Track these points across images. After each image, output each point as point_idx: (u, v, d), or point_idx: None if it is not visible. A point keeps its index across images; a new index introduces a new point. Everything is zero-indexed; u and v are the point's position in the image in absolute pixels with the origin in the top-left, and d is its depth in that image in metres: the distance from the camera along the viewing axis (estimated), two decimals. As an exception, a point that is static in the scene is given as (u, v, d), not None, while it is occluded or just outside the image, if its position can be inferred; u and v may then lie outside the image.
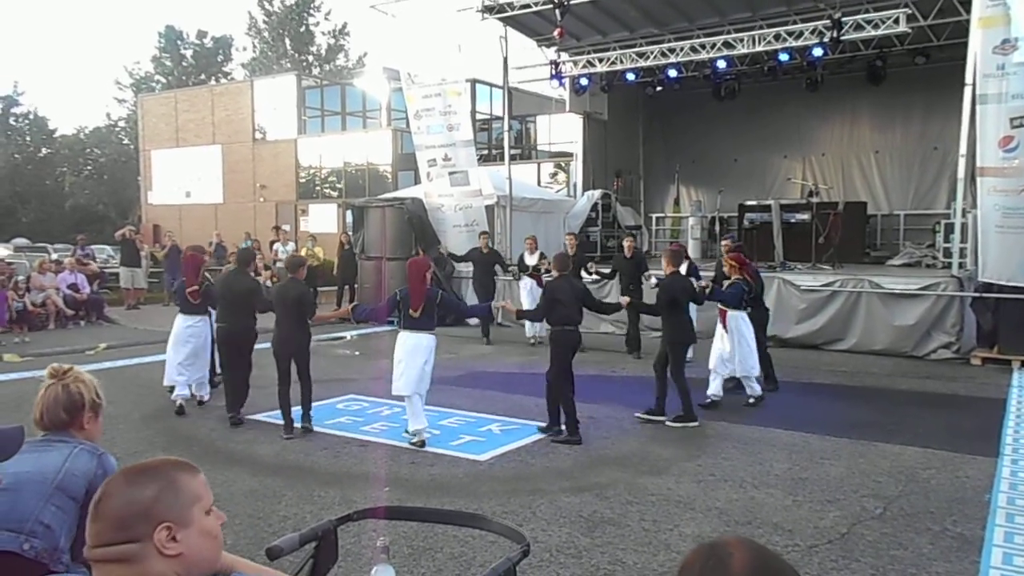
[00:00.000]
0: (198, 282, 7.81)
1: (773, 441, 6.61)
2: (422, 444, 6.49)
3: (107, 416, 7.87)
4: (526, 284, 12.29)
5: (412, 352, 6.53)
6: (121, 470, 1.41)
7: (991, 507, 4.98)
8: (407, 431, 6.65)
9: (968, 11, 10.71)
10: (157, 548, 1.33)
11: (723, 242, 10.59)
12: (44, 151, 45.18)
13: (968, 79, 10.32)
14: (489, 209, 14.91)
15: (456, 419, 7.43)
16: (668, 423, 7.15)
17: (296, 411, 6.99)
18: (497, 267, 13.14)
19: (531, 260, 12.65)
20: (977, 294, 10.29)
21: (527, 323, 12.08)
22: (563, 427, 6.74)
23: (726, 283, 8.23)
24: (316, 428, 7.07)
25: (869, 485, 5.47)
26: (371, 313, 7.69)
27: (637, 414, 7.39)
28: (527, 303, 11.63)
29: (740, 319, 7.88)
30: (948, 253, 11.69)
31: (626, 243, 11.32)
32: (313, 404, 7.61)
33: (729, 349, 7.85)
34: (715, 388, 7.93)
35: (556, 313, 6.82)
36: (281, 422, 6.96)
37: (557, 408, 6.80)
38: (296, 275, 7.08)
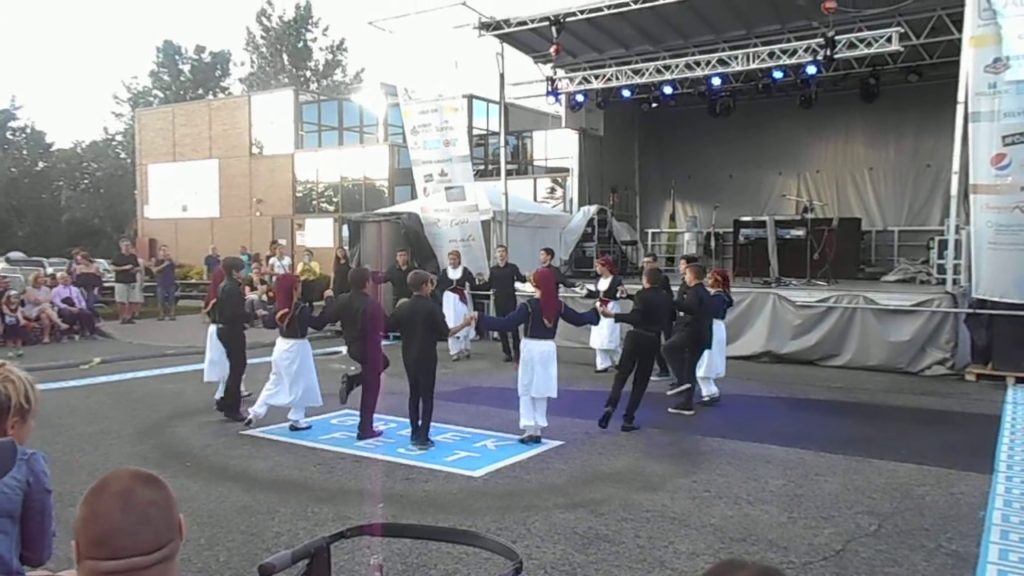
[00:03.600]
0: (290, 305, 7.45)
1: (768, 457, 6.61)
2: (538, 440, 6.98)
3: (100, 431, 7.83)
4: (449, 299, 12.25)
5: (547, 358, 7.00)
6: (133, 478, 1.44)
7: (985, 524, 4.98)
8: (412, 444, 6.88)
9: (960, 30, 10.82)
10: (181, 538, 1.45)
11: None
12: (41, 165, 45.25)
13: (960, 97, 10.41)
14: (485, 224, 14.94)
15: (451, 434, 7.41)
16: (669, 409, 8.22)
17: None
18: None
19: (454, 275, 12.70)
20: (971, 310, 10.33)
21: (450, 340, 11.73)
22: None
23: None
24: (309, 443, 7.07)
25: (864, 502, 5.47)
26: (501, 323, 8.26)
27: (669, 392, 8.46)
28: (451, 318, 11.66)
29: (719, 326, 8.87)
30: (942, 269, 11.74)
31: (646, 262, 11.95)
32: (310, 419, 7.74)
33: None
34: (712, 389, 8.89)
35: (647, 319, 7.64)
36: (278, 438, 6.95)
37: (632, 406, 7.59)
38: (421, 292, 7.03)
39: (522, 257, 14.10)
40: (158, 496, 1.42)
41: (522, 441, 7.01)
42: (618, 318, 8.49)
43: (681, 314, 8.54)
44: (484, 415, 8.11)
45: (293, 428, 7.53)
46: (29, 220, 42.22)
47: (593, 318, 8.10)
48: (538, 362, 6.96)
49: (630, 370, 7.64)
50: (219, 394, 8.30)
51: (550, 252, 12.47)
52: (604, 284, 11.01)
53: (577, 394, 9.28)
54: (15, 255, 29.97)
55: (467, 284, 12.96)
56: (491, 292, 13.03)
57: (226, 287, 8.26)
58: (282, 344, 7.55)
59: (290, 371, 7.46)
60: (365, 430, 7.23)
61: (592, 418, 7.80)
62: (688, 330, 8.40)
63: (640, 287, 11.04)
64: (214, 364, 8.39)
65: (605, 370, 11.18)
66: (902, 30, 12.02)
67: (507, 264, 12.72)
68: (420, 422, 6.97)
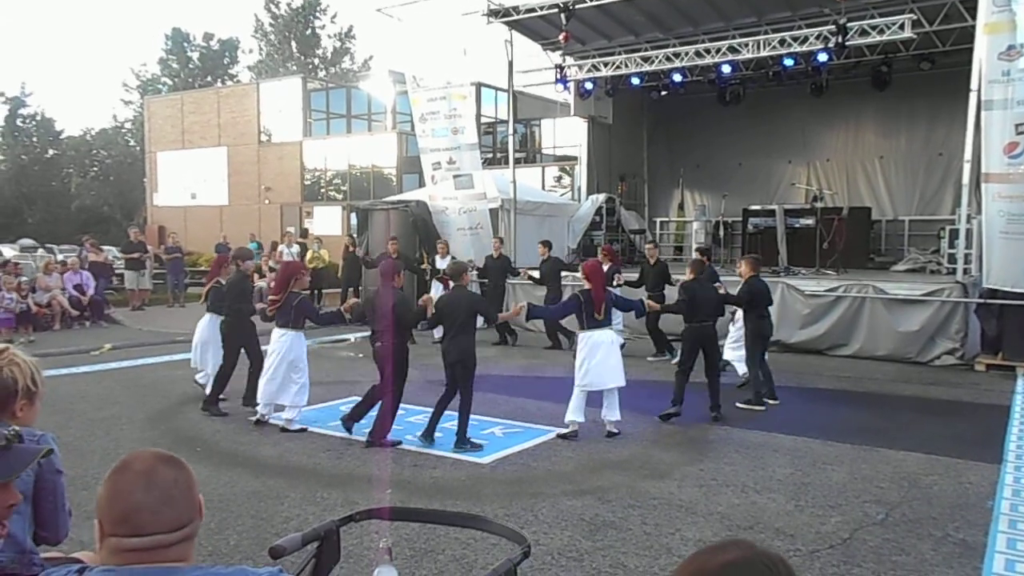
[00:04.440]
0: (283, 293, 7.12)
1: (776, 446, 6.61)
2: (575, 435, 6.89)
3: (112, 416, 7.89)
4: (436, 287, 12.20)
5: (610, 348, 7.00)
6: (155, 458, 1.46)
7: (994, 513, 4.98)
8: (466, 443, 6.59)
9: (974, 17, 10.70)
10: (201, 517, 1.49)
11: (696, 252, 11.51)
12: (51, 152, 45.33)
13: (973, 85, 10.31)
14: (493, 212, 14.93)
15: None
16: (737, 405, 8.01)
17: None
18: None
19: (442, 264, 12.71)
20: (982, 300, 10.26)
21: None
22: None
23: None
24: (318, 430, 7.10)
25: (871, 491, 5.47)
26: (549, 313, 8.40)
27: (738, 404, 8.07)
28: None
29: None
30: (953, 259, 11.67)
31: (648, 248, 11.95)
32: (319, 406, 7.70)
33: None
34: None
35: (693, 310, 7.71)
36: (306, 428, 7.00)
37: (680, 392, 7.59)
38: (461, 281, 6.91)
39: (530, 245, 14.09)
40: (179, 475, 1.44)
41: (562, 436, 6.88)
42: (664, 309, 8.59)
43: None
44: (491, 402, 8.13)
45: (283, 430, 7.07)
46: (39, 207, 42.35)
47: (640, 307, 8.15)
48: (601, 353, 6.93)
49: (692, 366, 7.69)
50: (201, 379, 8.43)
51: (548, 244, 12.66)
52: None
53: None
54: (25, 242, 30.15)
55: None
56: (485, 282, 13.08)
57: (232, 279, 8.06)
58: (275, 334, 7.26)
59: (278, 364, 7.13)
60: (376, 436, 6.67)
61: (599, 406, 7.80)
62: (749, 326, 8.29)
63: (633, 274, 11.31)
64: (198, 349, 8.42)
65: None
66: (915, 17, 11.90)
67: (501, 256, 12.87)
68: (458, 422, 6.68)
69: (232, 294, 7.94)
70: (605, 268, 11.37)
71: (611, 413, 6.98)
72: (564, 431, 6.93)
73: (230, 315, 7.91)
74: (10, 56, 72.81)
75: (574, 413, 6.96)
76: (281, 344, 7.17)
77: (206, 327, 8.37)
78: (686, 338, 7.86)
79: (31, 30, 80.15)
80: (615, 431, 6.96)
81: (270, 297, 7.34)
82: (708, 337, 7.78)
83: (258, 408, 7.38)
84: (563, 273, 12.22)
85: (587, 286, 7.12)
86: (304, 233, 19.32)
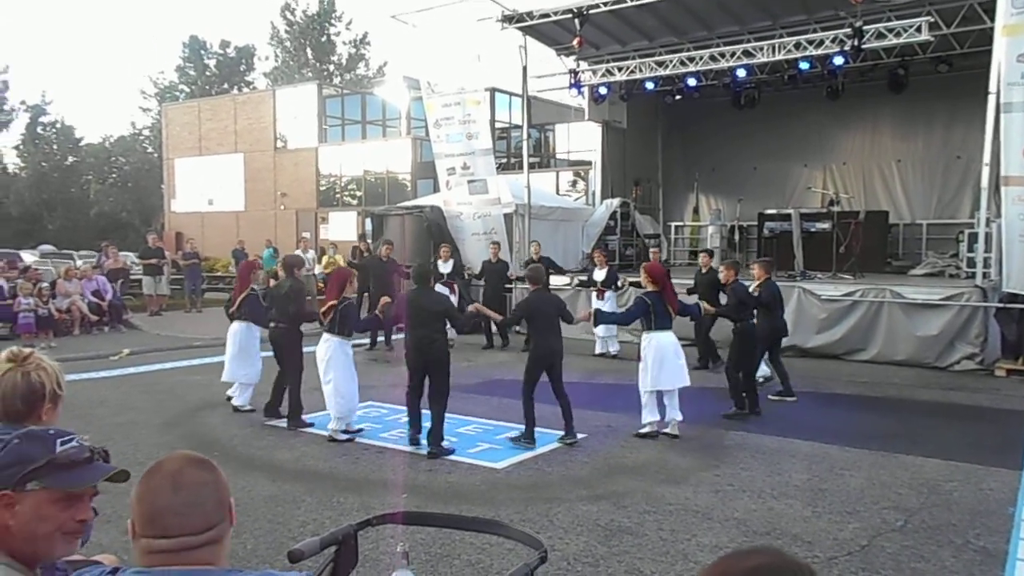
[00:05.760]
0: (338, 299, 7.02)
1: (792, 451, 6.57)
2: (656, 435, 7.04)
3: (130, 421, 7.94)
4: (441, 291, 12.31)
5: (677, 349, 7.15)
6: (185, 460, 1.47)
7: (1015, 520, 4.92)
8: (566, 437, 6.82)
9: (992, 19, 10.60)
10: (231, 522, 1.48)
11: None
12: (70, 159, 45.90)
13: (992, 88, 10.21)
14: (508, 217, 14.95)
15: (473, 427, 7.45)
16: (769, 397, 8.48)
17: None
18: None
19: (444, 268, 12.69)
20: (1001, 304, 10.16)
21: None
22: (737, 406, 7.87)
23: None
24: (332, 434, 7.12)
25: (890, 497, 5.42)
26: (618, 319, 8.58)
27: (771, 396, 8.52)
28: None
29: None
30: (972, 263, 11.54)
31: (652, 253, 12.49)
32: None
33: None
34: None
35: (740, 311, 7.97)
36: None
37: (740, 393, 7.85)
38: (542, 285, 7.19)
39: (544, 251, 14.08)
40: (209, 478, 1.45)
41: (640, 435, 7.03)
42: (717, 312, 8.66)
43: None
44: (506, 407, 8.13)
45: (331, 440, 6.94)
46: (59, 214, 42.88)
47: (697, 311, 8.25)
48: (668, 354, 7.05)
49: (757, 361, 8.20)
50: (233, 395, 8.16)
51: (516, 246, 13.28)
52: (600, 275, 11.88)
53: (599, 387, 9.30)
54: (45, 248, 30.50)
55: (457, 278, 13.12)
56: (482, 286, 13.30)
57: (291, 286, 7.83)
58: (321, 340, 7.18)
59: (322, 372, 7.07)
60: (436, 441, 6.57)
61: (615, 411, 7.80)
62: (768, 325, 8.43)
63: (632, 280, 11.41)
64: (236, 361, 8.13)
65: (603, 354, 11.64)
66: (932, 19, 11.79)
67: (499, 260, 13.07)
68: (565, 415, 6.89)
69: (295, 302, 7.72)
70: (605, 272, 11.80)
71: (674, 412, 7.04)
72: (643, 431, 7.06)
73: (287, 323, 7.70)
74: (31, 65, 73.91)
75: (650, 414, 7.08)
76: (324, 352, 7.07)
77: (241, 337, 8.11)
78: (739, 336, 8.05)
79: (51, 40, 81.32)
80: (676, 433, 7.00)
81: (328, 304, 7.16)
82: (756, 335, 8.14)
83: (329, 427, 7.11)
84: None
85: (651, 288, 7.20)
86: (361, 237, 19.70)
